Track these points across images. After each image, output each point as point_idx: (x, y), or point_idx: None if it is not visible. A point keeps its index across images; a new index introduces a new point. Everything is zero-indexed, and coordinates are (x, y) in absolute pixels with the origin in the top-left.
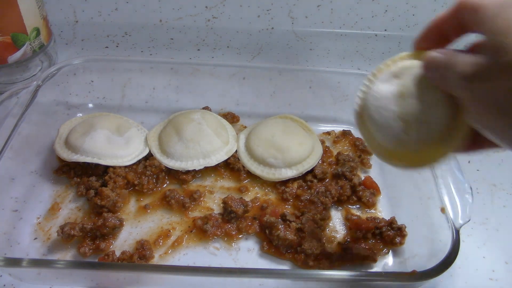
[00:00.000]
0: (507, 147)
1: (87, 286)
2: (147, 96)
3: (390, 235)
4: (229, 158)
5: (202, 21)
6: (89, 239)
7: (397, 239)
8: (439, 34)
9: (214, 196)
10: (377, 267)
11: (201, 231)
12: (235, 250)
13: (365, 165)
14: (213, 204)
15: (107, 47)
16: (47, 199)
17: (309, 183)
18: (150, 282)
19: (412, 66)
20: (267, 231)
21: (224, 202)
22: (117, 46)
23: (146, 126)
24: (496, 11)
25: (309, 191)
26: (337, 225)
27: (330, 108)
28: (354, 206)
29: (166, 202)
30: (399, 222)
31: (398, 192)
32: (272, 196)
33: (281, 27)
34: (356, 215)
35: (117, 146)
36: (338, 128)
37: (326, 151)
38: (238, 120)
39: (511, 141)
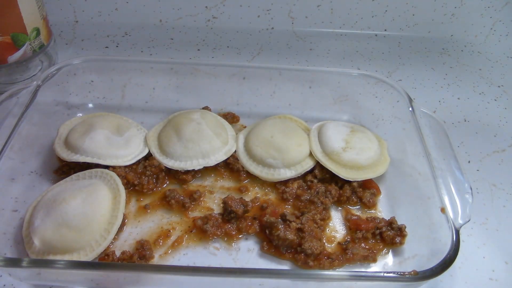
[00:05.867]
0: None
1: (87, 286)
2: (147, 96)
3: (390, 235)
4: (228, 158)
5: (202, 21)
6: None
7: (397, 239)
8: None
9: (214, 196)
10: (377, 267)
11: (201, 231)
12: (235, 250)
13: None
14: (213, 204)
15: (107, 47)
16: None
17: (309, 183)
18: (150, 282)
19: None
20: (267, 231)
21: (224, 202)
22: (117, 46)
23: (146, 126)
24: None
25: (309, 191)
26: (337, 225)
27: (330, 108)
28: (354, 207)
29: (166, 202)
30: (399, 222)
31: (398, 192)
32: (272, 196)
33: (281, 27)
34: (356, 215)
35: (117, 146)
36: None
37: None
38: (238, 120)
39: None
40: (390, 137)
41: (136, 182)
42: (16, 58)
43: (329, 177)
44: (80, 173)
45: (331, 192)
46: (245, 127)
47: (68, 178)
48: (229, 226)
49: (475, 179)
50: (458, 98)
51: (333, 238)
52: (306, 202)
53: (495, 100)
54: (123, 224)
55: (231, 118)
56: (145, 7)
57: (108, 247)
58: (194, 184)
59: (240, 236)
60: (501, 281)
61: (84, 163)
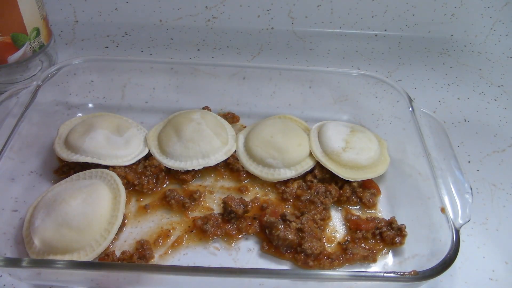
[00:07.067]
0: None
1: (87, 286)
2: (147, 96)
3: (390, 235)
4: (228, 158)
5: (202, 21)
6: None
7: (397, 239)
8: None
9: (214, 196)
10: (377, 267)
11: (201, 231)
12: (235, 250)
13: None
14: (213, 204)
15: (107, 47)
16: None
17: (309, 183)
18: (150, 282)
19: None
20: (267, 231)
21: (224, 202)
22: (117, 46)
23: (146, 126)
24: None
25: (309, 191)
26: (337, 225)
27: (330, 108)
28: (354, 207)
29: (166, 202)
30: (399, 222)
31: (398, 192)
32: (272, 196)
33: (281, 27)
34: (356, 215)
35: (117, 146)
36: None
37: None
38: (238, 120)
39: None
40: (390, 137)
41: (136, 182)
42: (16, 58)
43: (329, 177)
44: (80, 173)
45: (331, 192)
46: (245, 127)
47: (68, 178)
48: (229, 226)
49: (475, 179)
50: (458, 98)
51: (333, 238)
52: (306, 202)
53: (495, 100)
54: (123, 224)
55: (231, 118)
56: (145, 7)
57: (108, 247)
58: (194, 184)
59: (240, 236)
60: (501, 281)
61: (84, 163)
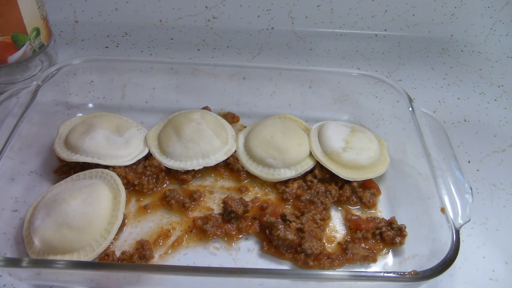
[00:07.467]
0: None
1: (87, 286)
2: (147, 96)
3: (390, 235)
4: (228, 158)
5: (202, 21)
6: None
7: (397, 239)
8: None
9: (214, 196)
10: (377, 267)
11: (201, 231)
12: (235, 250)
13: None
14: (213, 204)
15: (107, 47)
16: None
17: (309, 183)
18: (150, 282)
19: None
20: (267, 231)
21: (224, 202)
22: (117, 46)
23: (146, 126)
24: None
25: (309, 191)
26: (337, 225)
27: (330, 108)
28: (354, 207)
29: (166, 202)
30: (399, 222)
31: (398, 192)
32: (272, 196)
33: (281, 27)
34: (356, 215)
35: (116, 146)
36: None
37: None
38: (238, 120)
39: None
40: (390, 137)
41: (136, 182)
42: (16, 58)
43: (329, 177)
44: (80, 173)
45: (331, 192)
46: (245, 127)
47: (68, 178)
48: (229, 226)
49: (475, 179)
50: (458, 98)
51: (333, 238)
52: (306, 202)
53: (495, 100)
54: (123, 224)
55: (231, 118)
56: (145, 7)
57: (108, 247)
58: (194, 184)
59: (240, 236)
60: (501, 281)
61: (84, 163)
